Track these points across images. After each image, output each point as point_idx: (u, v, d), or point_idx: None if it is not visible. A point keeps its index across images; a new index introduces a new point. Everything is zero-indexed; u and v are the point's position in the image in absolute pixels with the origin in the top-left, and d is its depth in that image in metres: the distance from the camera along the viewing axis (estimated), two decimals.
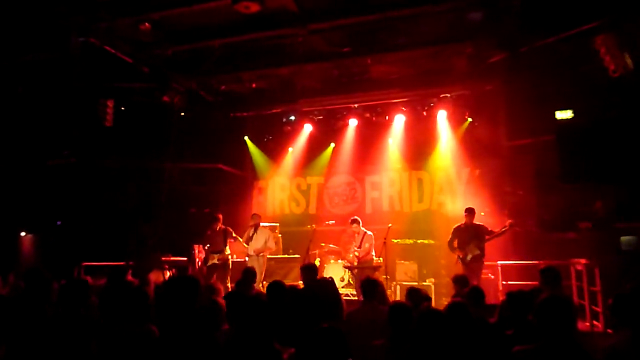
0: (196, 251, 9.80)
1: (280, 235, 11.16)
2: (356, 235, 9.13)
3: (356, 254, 9.09)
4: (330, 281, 5.20)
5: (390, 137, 11.79)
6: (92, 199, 10.42)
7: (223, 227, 9.02)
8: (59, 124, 9.70)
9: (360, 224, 9.13)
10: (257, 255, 8.90)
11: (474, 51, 8.83)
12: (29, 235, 11.25)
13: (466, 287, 5.27)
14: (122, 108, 10.02)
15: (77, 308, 3.59)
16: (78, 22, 7.65)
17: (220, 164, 12.06)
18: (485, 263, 8.19)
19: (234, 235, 8.98)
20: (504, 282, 8.27)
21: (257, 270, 6.92)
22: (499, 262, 8.48)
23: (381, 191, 11.97)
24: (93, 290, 4.18)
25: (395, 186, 11.85)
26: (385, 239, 8.54)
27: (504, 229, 8.05)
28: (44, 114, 9.59)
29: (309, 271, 5.83)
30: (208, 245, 9.04)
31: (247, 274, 6.04)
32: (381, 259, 8.78)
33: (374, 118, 11.57)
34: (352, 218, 9.21)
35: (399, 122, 11.63)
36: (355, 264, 9.03)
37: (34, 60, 8.37)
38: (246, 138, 12.65)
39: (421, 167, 11.54)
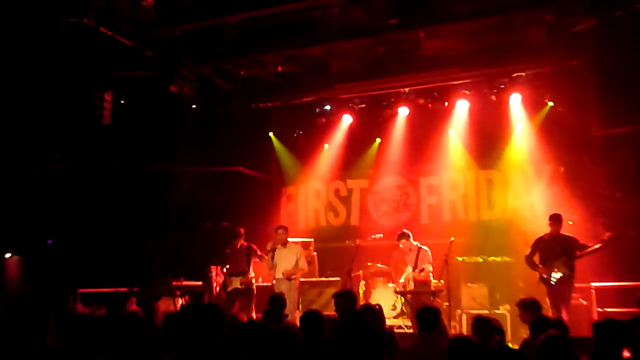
0: (214, 274, 10.17)
1: (315, 253, 11.32)
2: (409, 252, 9.27)
3: (410, 275, 9.21)
4: (378, 310, 5.24)
5: (450, 128, 11.96)
6: (88, 212, 10.72)
7: (245, 244, 9.25)
8: (47, 122, 9.96)
9: (411, 238, 9.31)
10: (287, 278, 8.90)
11: (555, 18, 8.81)
12: (15, 257, 11.66)
13: (535, 315, 5.29)
14: (122, 102, 10.30)
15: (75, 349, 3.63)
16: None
17: (240, 167, 12.40)
18: (576, 285, 8.17)
19: (259, 253, 9.16)
20: (599, 309, 8.29)
21: (287, 297, 7.02)
22: (593, 284, 8.49)
23: (440, 196, 12.15)
24: (91, 323, 4.28)
25: (458, 189, 12.01)
26: (446, 256, 8.57)
27: (601, 244, 7.92)
28: (29, 111, 9.83)
29: (344, 299, 5.88)
30: (228, 266, 9.31)
31: (274, 302, 6.10)
32: (442, 281, 8.88)
33: (429, 105, 11.71)
34: (400, 232, 9.36)
35: (461, 109, 11.74)
36: (410, 288, 9.16)
37: (17, 47, 8.52)
38: (271, 134, 13.01)
39: (491, 165, 11.68)
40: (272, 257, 8.99)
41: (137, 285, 9.42)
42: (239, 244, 9.28)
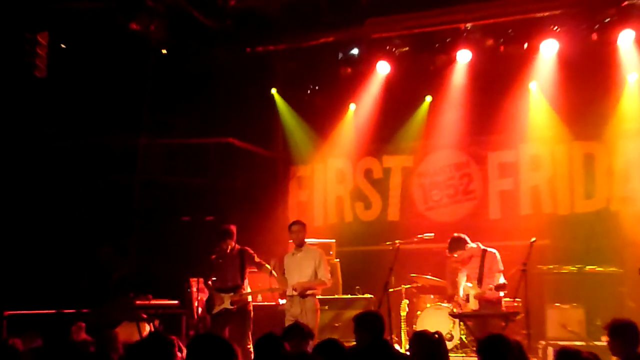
0: (194, 289, 10.31)
1: (337, 260, 11.58)
2: (469, 260, 9.52)
3: (473, 291, 9.32)
4: (437, 341, 5.30)
5: (532, 80, 12.03)
6: (16, 203, 10.62)
7: (238, 247, 9.42)
8: None
9: (469, 242, 9.53)
10: (301, 295, 9.08)
11: None
12: None
13: (631, 348, 5.31)
14: (63, 46, 10.36)
15: None
16: None
17: (230, 138, 12.48)
18: None
19: (256, 260, 9.34)
20: None
21: (304, 321, 7.29)
22: None
23: (517, 179, 12.23)
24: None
25: (543, 170, 12.09)
26: (525, 264, 8.63)
27: None
28: None
29: (366, 324, 6.02)
30: (214, 279, 9.43)
31: (292, 332, 6.19)
32: (518, 300, 9.01)
33: (501, 47, 11.77)
34: (451, 239, 9.57)
35: (547, 53, 11.76)
36: (471, 308, 9.27)
37: None
38: (274, 91, 13.13)
39: (592, 135, 11.73)
40: (281, 266, 9.29)
41: (86, 305, 9.46)
42: (230, 248, 9.41)
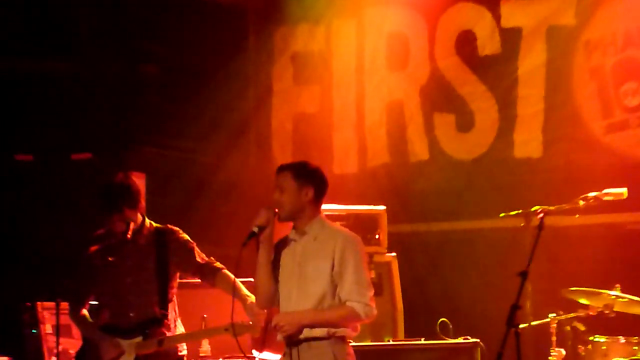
0: (46, 327, 8.09)
1: (392, 254, 8.29)
2: None
3: None
4: None
5: None
6: None
7: (155, 226, 6.83)
8: None
9: None
10: (296, 342, 5.92)
11: None
12: None
13: None
14: None
15: None
16: None
17: None
18: None
19: (198, 258, 6.69)
20: None
21: None
22: None
23: None
24: None
25: None
26: None
27: None
28: None
29: None
30: (94, 303, 6.93)
31: None
32: None
33: None
34: None
35: None
36: None
37: None
38: None
39: None
40: (273, 269, 6.09)
41: None
42: (132, 229, 6.59)
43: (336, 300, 5.40)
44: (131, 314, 6.34)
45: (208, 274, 6.46)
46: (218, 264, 6.43)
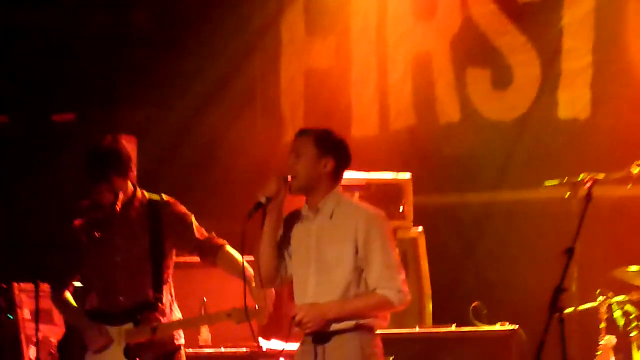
0: (24, 312, 7.80)
1: (419, 228, 8.18)
2: None
3: None
4: None
5: None
6: None
7: (148, 197, 6.38)
8: None
9: None
10: (320, 338, 5.44)
11: None
12: None
13: None
14: None
15: None
16: None
17: None
18: None
19: (198, 234, 6.24)
20: None
21: None
22: None
23: None
24: None
25: None
26: None
27: None
28: None
29: None
30: (78, 284, 6.46)
31: None
32: None
33: None
34: None
35: None
36: None
37: None
38: None
39: None
40: (281, 245, 5.60)
41: None
42: (122, 199, 6.16)
43: (362, 288, 4.86)
44: (121, 298, 5.88)
45: (208, 251, 5.95)
46: (220, 241, 5.87)
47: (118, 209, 5.80)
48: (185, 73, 9.33)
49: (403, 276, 4.83)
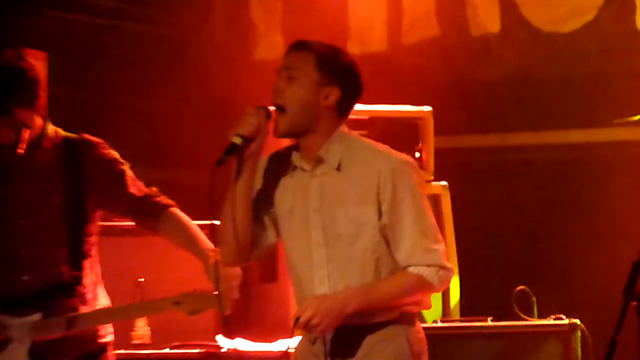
0: None
1: (443, 183, 7.34)
2: None
3: None
4: None
5: None
6: None
7: (63, 134, 5.22)
8: None
9: None
10: (340, 336, 4.39)
11: None
12: None
13: None
14: None
15: None
16: None
17: None
18: None
19: (131, 189, 4.84)
20: None
21: None
22: None
23: None
24: None
25: None
26: None
27: None
28: None
29: None
30: None
31: None
32: None
33: None
34: None
35: None
36: None
37: None
38: None
39: None
40: (256, 206, 3.82)
41: None
42: (23, 137, 4.82)
43: (389, 265, 3.63)
44: (24, 277, 4.62)
45: (148, 213, 4.84)
46: (164, 199, 4.69)
47: (21, 151, 4.53)
48: None
49: (443, 246, 3.82)
